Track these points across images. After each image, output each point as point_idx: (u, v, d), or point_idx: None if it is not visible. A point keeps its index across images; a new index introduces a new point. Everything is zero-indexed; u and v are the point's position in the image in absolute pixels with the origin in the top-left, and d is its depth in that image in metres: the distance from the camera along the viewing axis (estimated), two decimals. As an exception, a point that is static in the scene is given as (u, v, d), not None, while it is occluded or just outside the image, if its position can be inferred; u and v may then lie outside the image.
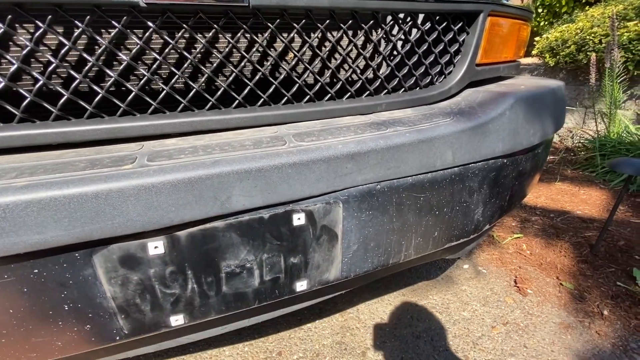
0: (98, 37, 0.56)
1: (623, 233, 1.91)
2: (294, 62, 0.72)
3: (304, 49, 0.71)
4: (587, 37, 3.28)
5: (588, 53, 3.22)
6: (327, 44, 0.79)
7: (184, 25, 0.59)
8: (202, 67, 0.64)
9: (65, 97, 0.57)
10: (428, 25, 0.81)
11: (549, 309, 1.46)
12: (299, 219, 0.63)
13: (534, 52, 4.16)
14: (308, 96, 0.75)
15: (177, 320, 0.62)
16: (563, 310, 1.45)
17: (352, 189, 0.66)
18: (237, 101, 0.68)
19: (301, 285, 0.70)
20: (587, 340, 1.29)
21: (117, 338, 0.59)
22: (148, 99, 0.62)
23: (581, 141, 3.26)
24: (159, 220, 0.51)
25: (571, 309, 1.45)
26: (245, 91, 0.69)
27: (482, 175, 0.82)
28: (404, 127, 0.70)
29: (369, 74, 0.80)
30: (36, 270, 0.50)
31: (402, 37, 0.81)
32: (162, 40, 0.67)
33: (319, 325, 1.41)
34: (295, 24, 0.66)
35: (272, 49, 0.76)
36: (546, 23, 5.26)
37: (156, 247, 0.54)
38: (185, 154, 0.55)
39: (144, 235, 0.53)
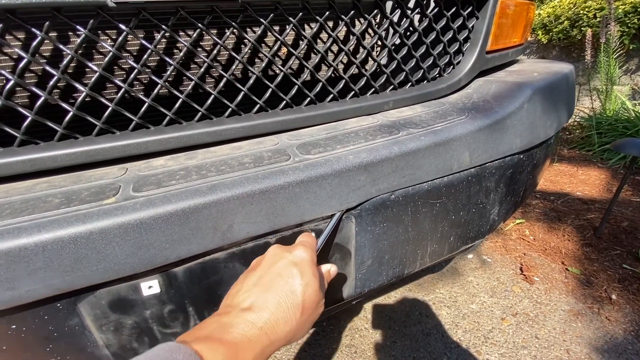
0: (62, 46, 0.47)
1: (625, 213, 1.90)
2: (292, 61, 0.64)
3: (302, 45, 0.63)
4: (581, 11, 3.21)
5: (582, 28, 3.16)
6: (326, 37, 0.71)
7: (163, 25, 0.51)
8: (188, 74, 0.56)
9: (30, 118, 0.48)
10: (435, 11, 0.73)
11: (557, 296, 1.45)
12: (308, 239, 0.57)
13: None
14: (309, 98, 0.67)
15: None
16: (571, 297, 1.43)
17: (365, 202, 0.59)
18: (229, 109, 0.61)
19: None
20: (598, 327, 1.29)
21: (116, 385, 0.53)
22: (128, 113, 0.54)
23: (576, 119, 3.24)
24: (151, 260, 0.44)
25: (579, 295, 1.44)
26: (239, 97, 0.61)
27: (499, 174, 0.76)
28: (418, 128, 0.64)
29: (373, 68, 0.72)
30: (14, 326, 0.43)
31: (409, 26, 0.73)
32: (138, 44, 0.58)
33: (327, 328, 1.38)
34: (291, 18, 0.58)
35: (266, 48, 0.68)
36: (537, -2, 5.15)
37: (150, 286, 0.48)
38: (177, 178, 0.48)
39: (135, 276, 0.46)
